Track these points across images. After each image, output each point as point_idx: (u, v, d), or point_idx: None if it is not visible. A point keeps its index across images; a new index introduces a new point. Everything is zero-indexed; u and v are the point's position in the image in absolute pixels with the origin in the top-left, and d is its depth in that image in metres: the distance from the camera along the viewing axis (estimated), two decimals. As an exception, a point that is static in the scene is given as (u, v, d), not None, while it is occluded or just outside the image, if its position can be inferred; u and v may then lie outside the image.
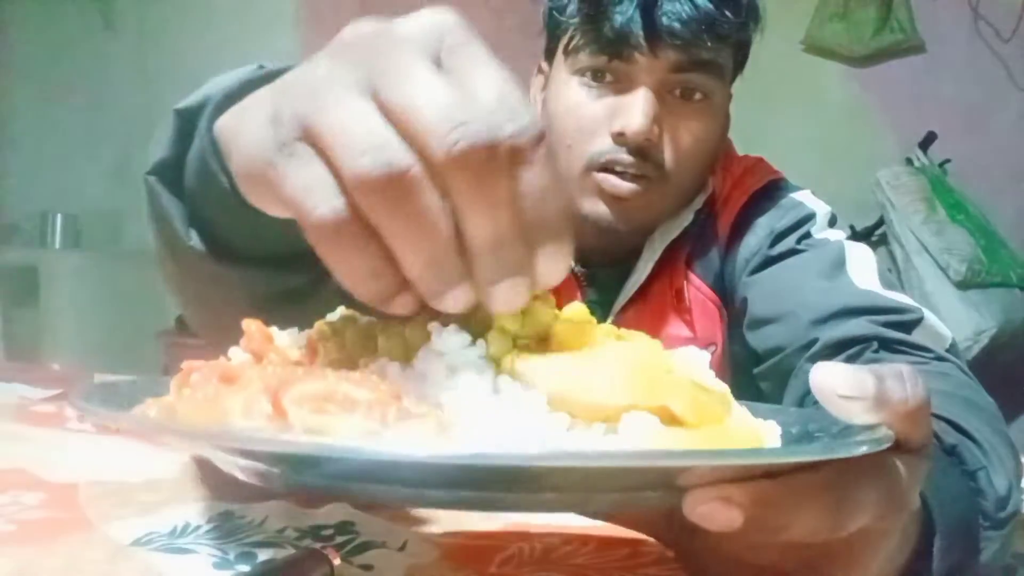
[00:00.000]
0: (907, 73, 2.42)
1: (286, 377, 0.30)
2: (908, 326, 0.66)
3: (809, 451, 0.28)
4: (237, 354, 0.36)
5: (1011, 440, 0.52)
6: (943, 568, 0.40)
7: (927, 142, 2.29)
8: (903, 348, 0.65)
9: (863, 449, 0.28)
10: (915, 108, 2.38)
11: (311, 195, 0.29)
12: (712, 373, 0.35)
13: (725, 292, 0.82)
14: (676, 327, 0.82)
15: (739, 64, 0.82)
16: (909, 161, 2.30)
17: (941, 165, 2.28)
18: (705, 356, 0.35)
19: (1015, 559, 0.51)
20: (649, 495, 0.29)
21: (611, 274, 0.83)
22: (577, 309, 0.35)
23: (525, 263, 0.30)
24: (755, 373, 0.75)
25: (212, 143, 0.43)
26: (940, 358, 0.64)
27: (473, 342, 0.32)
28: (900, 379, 0.31)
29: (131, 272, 2.83)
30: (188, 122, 0.49)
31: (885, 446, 0.29)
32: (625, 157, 0.75)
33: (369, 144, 0.28)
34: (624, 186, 0.75)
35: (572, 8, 0.77)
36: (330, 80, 0.29)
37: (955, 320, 2.01)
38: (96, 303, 2.76)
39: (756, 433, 0.32)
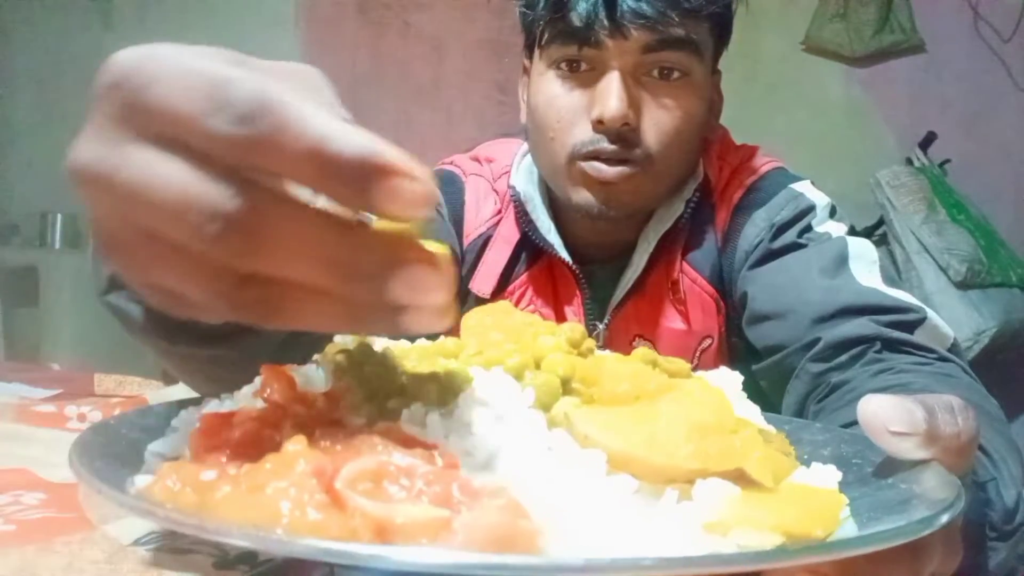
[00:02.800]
0: (907, 73, 2.41)
1: (333, 453, 0.28)
2: (911, 326, 0.66)
3: (904, 533, 0.27)
4: (245, 398, 0.34)
5: (1017, 445, 0.51)
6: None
7: (927, 142, 2.29)
8: (906, 348, 0.64)
9: (944, 520, 0.27)
10: (915, 108, 2.38)
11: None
12: (744, 396, 0.34)
13: (723, 284, 0.82)
14: (672, 320, 0.82)
15: (721, 40, 0.81)
16: (909, 161, 2.30)
17: (941, 165, 2.27)
18: (737, 378, 0.35)
19: (1016, 560, 0.51)
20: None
21: (608, 270, 0.83)
22: (641, 354, 0.34)
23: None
24: (754, 370, 0.74)
25: None
26: (943, 358, 0.64)
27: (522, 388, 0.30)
28: (951, 412, 0.30)
29: (131, 272, 2.83)
30: None
31: (960, 510, 0.28)
32: (607, 146, 0.74)
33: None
34: (609, 170, 0.75)
35: (540, 3, 0.77)
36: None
37: (955, 320, 2.01)
38: (96, 303, 2.76)
39: (830, 492, 0.30)
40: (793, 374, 0.68)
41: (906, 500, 0.30)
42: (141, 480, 0.30)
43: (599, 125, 0.74)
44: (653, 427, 0.29)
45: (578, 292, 0.84)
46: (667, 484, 0.28)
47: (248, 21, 2.89)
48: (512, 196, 0.85)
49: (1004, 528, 0.45)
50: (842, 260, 0.72)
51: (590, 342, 0.36)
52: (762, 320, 0.74)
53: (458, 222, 0.87)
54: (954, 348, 0.66)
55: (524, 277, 0.85)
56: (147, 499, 0.28)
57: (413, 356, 0.34)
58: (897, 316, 0.66)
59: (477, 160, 0.91)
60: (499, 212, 0.87)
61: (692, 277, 0.82)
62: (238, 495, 0.27)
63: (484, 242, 0.86)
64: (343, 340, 0.37)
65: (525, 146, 0.88)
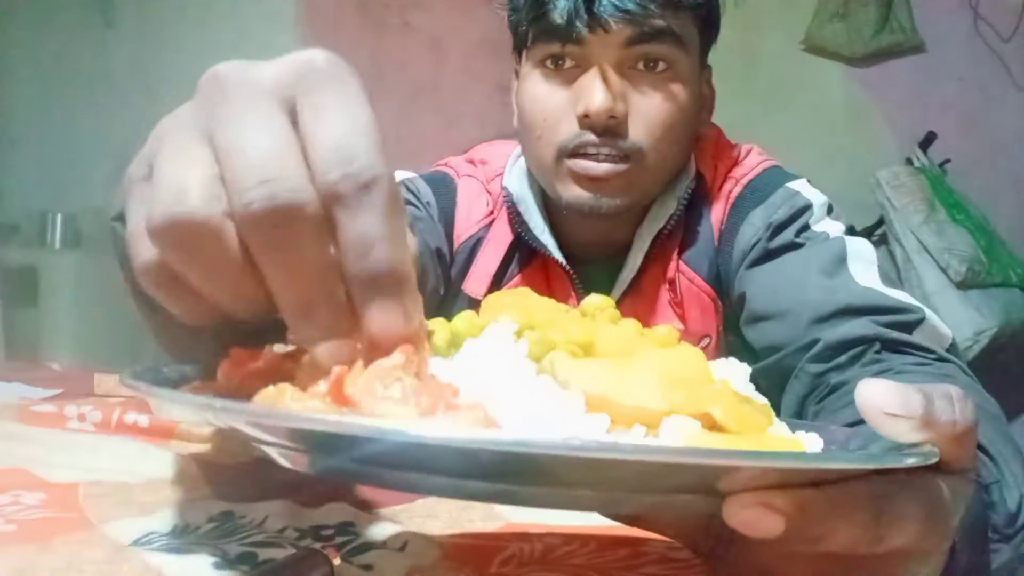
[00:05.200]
0: (907, 73, 2.41)
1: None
2: (910, 326, 0.66)
3: (859, 459, 0.27)
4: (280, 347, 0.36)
5: (1018, 447, 0.51)
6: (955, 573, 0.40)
7: (927, 142, 2.29)
8: (905, 349, 0.64)
9: (910, 461, 0.27)
10: (915, 108, 2.38)
11: (134, 239, 0.30)
12: (752, 387, 0.35)
13: (720, 283, 0.82)
14: (669, 319, 0.82)
15: (708, 33, 0.81)
16: (909, 161, 2.30)
17: (941, 165, 2.28)
18: (745, 368, 0.35)
19: (1017, 560, 0.51)
20: (688, 498, 0.28)
21: (603, 271, 0.83)
22: (628, 325, 0.35)
23: (340, 324, 0.29)
24: (752, 370, 0.74)
25: None
26: (942, 359, 0.64)
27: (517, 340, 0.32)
28: (949, 400, 0.30)
29: (131, 272, 2.83)
30: None
31: (932, 460, 0.28)
32: (593, 139, 0.75)
33: (171, 191, 0.28)
34: (597, 167, 0.75)
35: (523, 3, 0.77)
36: (174, 125, 0.30)
37: (955, 320, 2.01)
38: (96, 303, 2.76)
39: (798, 443, 0.31)
40: (792, 374, 0.68)
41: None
42: None
43: (585, 119, 0.74)
44: (628, 375, 0.30)
45: (573, 293, 0.84)
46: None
47: (248, 21, 2.89)
48: (505, 197, 0.85)
49: (1006, 531, 0.45)
50: (840, 260, 0.72)
51: (608, 308, 0.37)
52: (760, 320, 0.74)
53: (449, 223, 0.87)
54: (953, 348, 0.66)
55: (518, 278, 0.86)
56: (164, 391, 0.30)
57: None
58: (896, 316, 0.66)
59: (472, 162, 0.92)
60: (491, 213, 0.87)
61: (689, 276, 0.82)
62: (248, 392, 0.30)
63: (476, 243, 0.87)
64: None
65: (519, 148, 0.88)
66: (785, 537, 0.27)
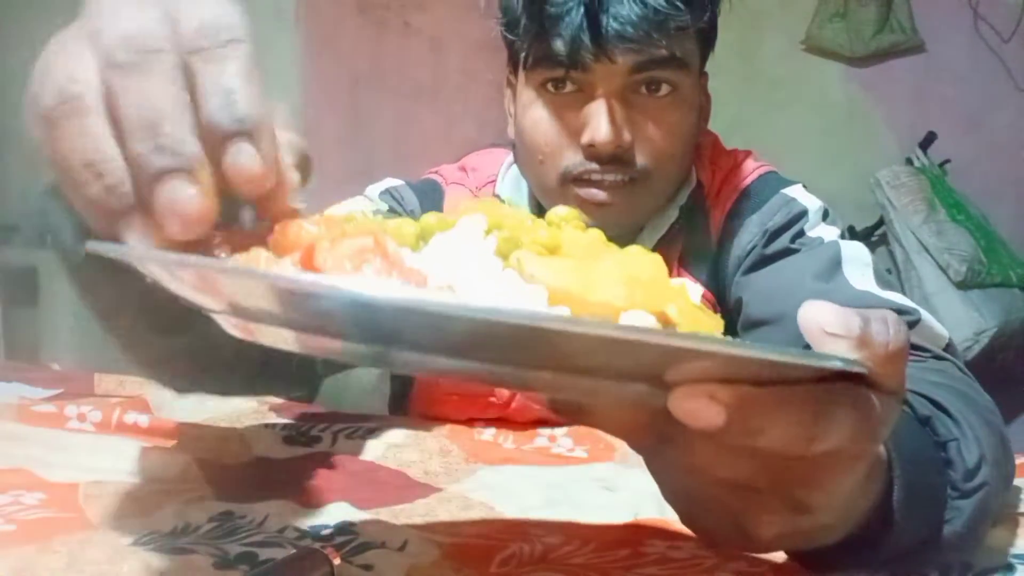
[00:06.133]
0: (907, 73, 2.41)
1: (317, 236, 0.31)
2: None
3: (801, 356, 0.29)
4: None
5: (1002, 432, 0.51)
6: (909, 533, 0.40)
7: (927, 142, 2.29)
8: None
9: (838, 364, 0.30)
10: (915, 108, 2.38)
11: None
12: (706, 306, 0.36)
13: (719, 289, 0.82)
14: None
15: (707, 48, 0.80)
16: (909, 161, 2.30)
17: (941, 165, 2.28)
18: (698, 289, 0.36)
19: (1015, 559, 0.51)
20: (637, 387, 0.29)
21: None
22: (594, 234, 0.36)
23: (185, 144, 0.30)
24: None
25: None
26: (938, 357, 0.64)
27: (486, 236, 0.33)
28: (884, 323, 0.32)
29: (131, 272, 2.83)
30: None
31: (861, 369, 0.31)
32: (598, 167, 0.74)
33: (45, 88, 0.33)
34: (603, 194, 0.75)
35: (523, 25, 0.75)
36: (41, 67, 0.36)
37: (955, 320, 2.01)
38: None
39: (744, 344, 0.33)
40: None
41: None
42: None
43: (590, 149, 0.74)
44: (591, 273, 0.32)
45: None
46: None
47: (248, 20, 2.89)
48: None
49: (965, 487, 0.46)
50: (835, 264, 0.72)
51: (574, 219, 0.38)
52: (757, 326, 0.75)
53: None
54: (949, 348, 0.67)
55: None
56: (137, 249, 0.31)
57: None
58: None
59: (463, 169, 0.92)
60: None
61: (689, 283, 0.82)
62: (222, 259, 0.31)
63: None
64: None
65: (511, 156, 0.88)
66: (724, 430, 0.29)
